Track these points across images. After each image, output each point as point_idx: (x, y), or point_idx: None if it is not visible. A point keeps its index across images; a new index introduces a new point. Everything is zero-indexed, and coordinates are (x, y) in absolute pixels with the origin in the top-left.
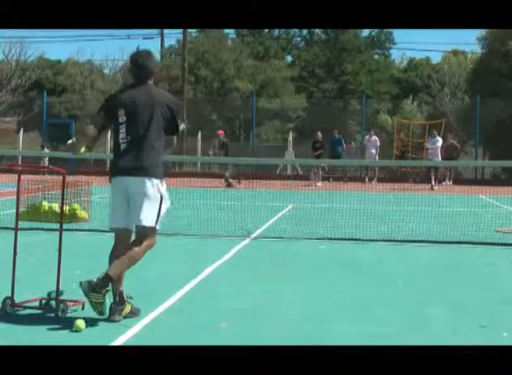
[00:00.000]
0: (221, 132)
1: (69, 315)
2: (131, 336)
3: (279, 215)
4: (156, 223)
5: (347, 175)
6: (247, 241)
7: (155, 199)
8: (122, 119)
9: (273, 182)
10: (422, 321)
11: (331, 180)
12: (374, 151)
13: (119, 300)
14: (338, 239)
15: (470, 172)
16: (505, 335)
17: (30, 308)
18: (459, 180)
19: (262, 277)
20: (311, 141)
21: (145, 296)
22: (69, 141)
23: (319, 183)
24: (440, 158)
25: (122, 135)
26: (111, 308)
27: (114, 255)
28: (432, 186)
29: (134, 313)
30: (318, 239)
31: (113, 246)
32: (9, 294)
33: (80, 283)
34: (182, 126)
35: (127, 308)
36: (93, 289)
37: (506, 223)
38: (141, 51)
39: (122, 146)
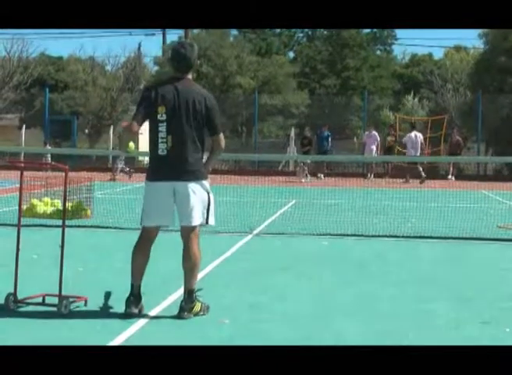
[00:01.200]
0: None
1: (71, 311)
2: (134, 332)
3: (282, 211)
4: (209, 218)
5: (342, 171)
6: (249, 237)
7: (204, 198)
8: (161, 116)
9: (275, 178)
10: (425, 317)
11: (322, 176)
12: (374, 147)
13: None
14: (341, 235)
15: (472, 168)
16: (507, 331)
17: (32, 304)
18: (461, 175)
19: (264, 273)
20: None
21: (148, 292)
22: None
23: (303, 180)
24: (418, 153)
25: (161, 134)
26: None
27: (140, 251)
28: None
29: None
30: (321, 235)
31: (139, 241)
32: (12, 291)
33: (182, 318)
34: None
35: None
36: (190, 309)
37: (508, 218)
38: (184, 42)
39: (162, 146)
